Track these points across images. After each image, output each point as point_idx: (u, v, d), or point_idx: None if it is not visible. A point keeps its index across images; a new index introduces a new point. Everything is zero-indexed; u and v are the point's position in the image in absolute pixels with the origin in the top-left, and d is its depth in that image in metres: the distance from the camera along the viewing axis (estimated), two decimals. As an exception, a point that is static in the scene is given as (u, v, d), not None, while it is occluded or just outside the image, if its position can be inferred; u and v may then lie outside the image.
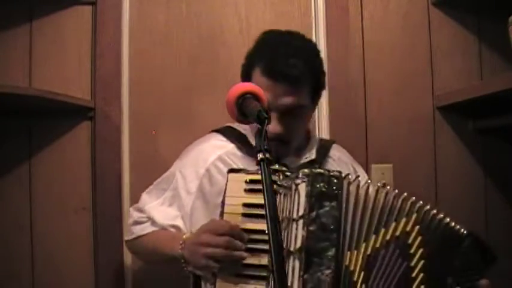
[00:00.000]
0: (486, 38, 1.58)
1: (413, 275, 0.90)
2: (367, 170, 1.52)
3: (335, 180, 0.94)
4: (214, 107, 1.51)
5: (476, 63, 1.59)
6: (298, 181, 0.95)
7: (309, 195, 0.93)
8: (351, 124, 1.55)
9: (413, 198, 0.94)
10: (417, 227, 0.92)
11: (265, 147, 0.79)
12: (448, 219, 0.93)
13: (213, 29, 1.56)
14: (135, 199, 1.43)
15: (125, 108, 1.52)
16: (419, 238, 0.91)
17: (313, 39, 1.56)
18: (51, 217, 1.47)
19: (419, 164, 1.56)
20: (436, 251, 0.91)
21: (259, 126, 0.83)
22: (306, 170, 0.96)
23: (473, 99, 1.36)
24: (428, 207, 0.93)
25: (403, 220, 0.92)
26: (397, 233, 0.92)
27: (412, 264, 0.90)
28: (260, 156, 0.79)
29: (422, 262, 0.90)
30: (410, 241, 0.91)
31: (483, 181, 1.57)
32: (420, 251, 0.91)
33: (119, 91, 1.51)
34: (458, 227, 0.93)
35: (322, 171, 0.96)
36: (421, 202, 0.94)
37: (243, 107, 0.90)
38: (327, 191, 0.93)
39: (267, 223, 0.73)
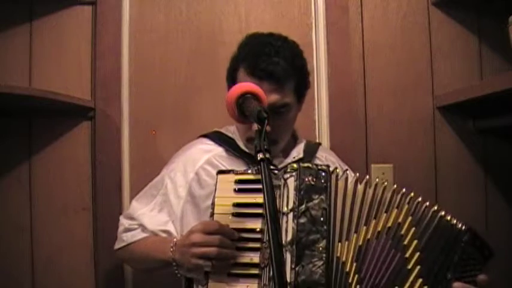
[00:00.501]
0: (486, 38, 1.58)
1: (409, 266, 0.90)
2: (367, 170, 1.52)
3: (323, 174, 0.95)
4: (214, 107, 1.52)
5: (476, 63, 1.59)
6: (287, 175, 0.96)
7: (297, 189, 0.94)
8: (351, 124, 1.54)
9: (404, 190, 0.95)
10: (409, 218, 0.93)
11: (265, 147, 0.79)
12: (443, 213, 0.93)
13: (212, 29, 1.56)
14: (135, 199, 1.43)
15: (125, 108, 1.52)
16: (412, 229, 0.92)
17: (313, 39, 1.57)
18: (51, 217, 1.47)
19: (419, 164, 1.56)
20: (432, 244, 0.92)
21: (259, 126, 0.83)
22: (294, 165, 0.97)
23: (473, 99, 1.36)
24: (419, 199, 0.94)
25: (395, 211, 0.93)
26: (389, 224, 0.92)
27: (407, 255, 0.91)
28: (260, 156, 0.79)
29: (417, 254, 0.91)
30: (403, 232, 0.92)
31: (483, 181, 1.57)
32: (414, 242, 0.91)
33: (119, 91, 1.51)
34: (455, 221, 0.94)
35: (310, 165, 0.97)
36: (412, 194, 0.94)
37: (243, 107, 0.91)
38: (316, 184, 0.94)
39: (267, 222, 0.74)
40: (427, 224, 0.93)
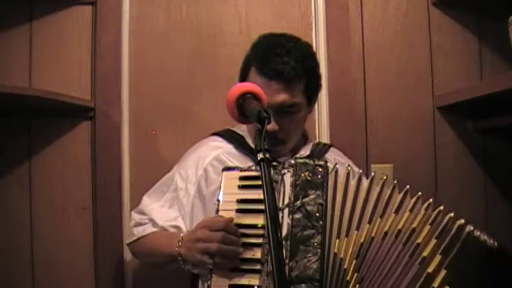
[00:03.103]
0: (486, 38, 1.58)
1: (436, 285, 0.87)
2: (367, 170, 1.52)
3: (320, 169, 0.95)
4: (214, 107, 1.52)
5: (476, 63, 1.59)
6: (284, 171, 0.97)
7: (293, 185, 0.94)
8: (351, 124, 1.55)
9: (420, 193, 0.93)
10: (428, 227, 0.90)
11: (265, 147, 0.80)
12: (471, 228, 0.89)
13: (213, 29, 1.56)
14: (135, 199, 1.43)
15: (124, 108, 1.52)
16: (433, 241, 0.88)
17: (313, 39, 1.57)
18: (51, 217, 1.47)
19: (419, 164, 1.56)
20: (462, 263, 0.87)
21: (259, 126, 0.83)
22: (291, 161, 0.98)
23: (473, 99, 1.36)
24: (441, 207, 0.91)
25: (407, 214, 0.91)
26: (399, 227, 0.91)
27: (430, 270, 0.87)
28: (260, 156, 0.79)
29: (444, 272, 0.87)
30: (420, 241, 0.89)
31: (483, 181, 1.57)
32: (438, 257, 0.88)
33: (119, 91, 1.51)
34: (485, 237, 0.89)
35: (307, 160, 0.97)
36: (431, 200, 0.92)
37: (243, 107, 0.91)
38: (312, 179, 0.94)
39: (267, 221, 0.74)
40: (452, 238, 0.88)
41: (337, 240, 0.91)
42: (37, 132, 1.48)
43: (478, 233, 0.89)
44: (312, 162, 0.97)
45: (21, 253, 1.45)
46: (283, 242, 0.90)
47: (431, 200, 0.92)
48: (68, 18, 1.50)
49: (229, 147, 1.18)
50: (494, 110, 1.45)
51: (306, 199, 0.93)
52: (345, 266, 0.90)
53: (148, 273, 1.46)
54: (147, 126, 1.53)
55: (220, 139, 1.21)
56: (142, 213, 1.21)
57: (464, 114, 1.57)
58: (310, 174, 0.95)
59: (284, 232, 0.91)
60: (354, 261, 0.90)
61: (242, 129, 1.21)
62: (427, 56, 1.58)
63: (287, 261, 0.89)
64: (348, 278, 0.89)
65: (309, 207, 0.92)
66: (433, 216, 0.91)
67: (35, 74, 1.48)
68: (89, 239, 1.48)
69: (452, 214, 0.90)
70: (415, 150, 1.56)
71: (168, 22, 1.55)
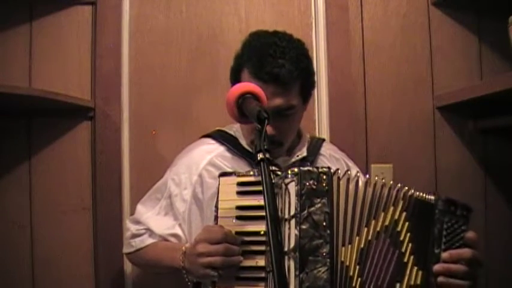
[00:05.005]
0: (486, 38, 1.58)
1: (405, 259, 0.92)
2: (367, 170, 1.52)
3: (324, 177, 0.94)
4: (214, 107, 1.52)
5: (476, 63, 1.59)
6: (288, 180, 0.95)
7: (299, 194, 0.93)
8: (350, 124, 1.54)
9: (399, 185, 0.95)
10: (404, 214, 0.93)
11: (265, 147, 0.79)
12: (412, 191, 0.95)
13: (213, 29, 1.56)
14: (135, 199, 1.43)
15: (125, 108, 1.52)
16: (406, 224, 0.93)
17: (313, 39, 1.57)
18: (51, 217, 1.47)
19: (419, 164, 1.56)
20: (417, 229, 0.93)
21: (259, 126, 0.83)
22: (295, 169, 0.96)
23: (473, 99, 1.36)
24: (412, 191, 0.95)
25: (391, 209, 0.94)
26: (386, 223, 0.93)
27: (403, 249, 0.92)
28: (260, 156, 0.79)
29: (410, 245, 0.92)
30: (399, 228, 0.93)
31: (483, 181, 1.57)
32: (408, 235, 0.93)
33: (118, 91, 1.51)
34: (426, 196, 0.95)
35: (310, 168, 0.96)
36: (406, 188, 0.95)
37: (243, 107, 0.90)
38: (317, 188, 0.93)
39: (267, 223, 0.74)
40: (418, 213, 0.94)
41: (343, 248, 0.91)
42: (37, 132, 1.48)
43: (417, 193, 0.95)
44: (316, 170, 0.95)
45: (21, 253, 1.45)
46: (292, 254, 0.89)
47: (406, 188, 0.95)
48: (68, 18, 1.50)
49: (222, 150, 1.16)
50: (495, 110, 1.45)
51: (312, 208, 0.91)
52: (351, 273, 0.90)
53: (148, 274, 1.46)
54: (147, 126, 1.53)
55: (212, 141, 1.19)
56: (138, 222, 1.19)
57: (464, 114, 1.57)
58: (315, 183, 0.93)
59: (292, 243, 0.90)
60: (358, 267, 0.90)
61: (234, 130, 1.20)
62: (427, 56, 1.58)
63: (297, 273, 0.88)
64: (353, 285, 0.90)
65: (315, 217, 0.91)
66: (406, 202, 0.94)
67: (35, 74, 1.48)
68: (88, 239, 1.48)
69: (418, 193, 0.95)
70: (415, 150, 1.56)
71: (168, 22, 1.55)
